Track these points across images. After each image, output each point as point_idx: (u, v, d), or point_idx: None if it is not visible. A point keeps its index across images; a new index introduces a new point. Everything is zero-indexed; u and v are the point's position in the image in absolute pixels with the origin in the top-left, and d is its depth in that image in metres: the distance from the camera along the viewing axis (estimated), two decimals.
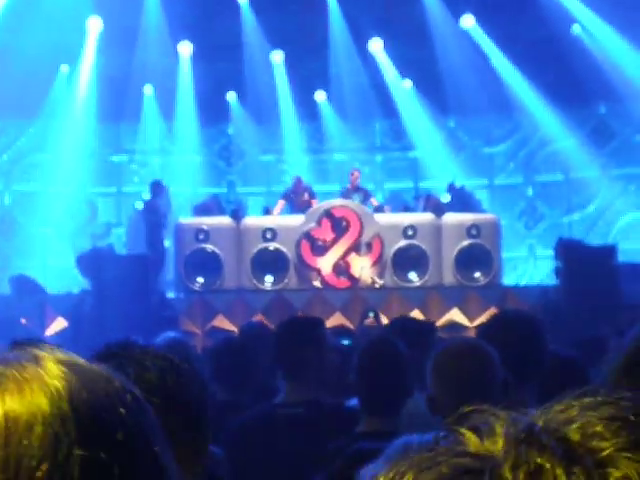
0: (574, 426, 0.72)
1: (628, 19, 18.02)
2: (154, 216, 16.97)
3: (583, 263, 14.31)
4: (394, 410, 3.84)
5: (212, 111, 20.47)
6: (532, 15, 18.84)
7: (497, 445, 0.71)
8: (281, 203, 17.66)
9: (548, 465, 0.69)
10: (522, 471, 0.69)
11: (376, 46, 20.78)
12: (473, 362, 3.39)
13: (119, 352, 2.13)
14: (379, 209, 17.23)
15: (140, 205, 18.66)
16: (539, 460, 0.69)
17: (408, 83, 20.92)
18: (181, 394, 2.08)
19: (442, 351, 3.50)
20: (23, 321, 14.08)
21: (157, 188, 17.35)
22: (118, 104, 19.58)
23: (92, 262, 14.64)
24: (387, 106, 20.88)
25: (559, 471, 0.69)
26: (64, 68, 20.12)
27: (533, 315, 3.89)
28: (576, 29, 19.78)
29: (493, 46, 20.19)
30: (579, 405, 0.74)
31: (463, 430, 0.73)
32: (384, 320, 14.34)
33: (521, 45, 19.36)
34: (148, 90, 20.57)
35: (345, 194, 17.35)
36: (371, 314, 13.29)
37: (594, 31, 19.49)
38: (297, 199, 17.22)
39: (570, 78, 18.98)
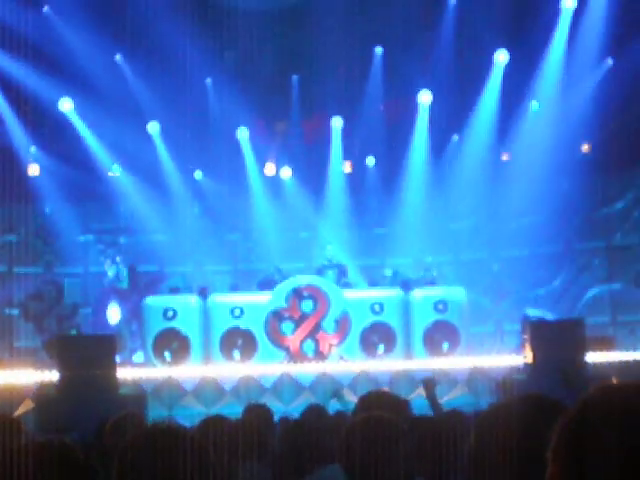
0: None
1: None
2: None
3: (551, 336, 14.27)
4: None
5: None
6: None
7: None
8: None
9: None
10: None
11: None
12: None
13: None
14: (347, 285, 17.21)
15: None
16: None
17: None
18: None
19: None
20: None
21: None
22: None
23: (58, 346, 14.41)
24: None
25: None
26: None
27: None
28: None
29: None
30: None
31: None
32: (352, 399, 14.23)
33: None
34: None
35: (320, 271, 17.34)
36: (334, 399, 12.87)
37: None
38: None
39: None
